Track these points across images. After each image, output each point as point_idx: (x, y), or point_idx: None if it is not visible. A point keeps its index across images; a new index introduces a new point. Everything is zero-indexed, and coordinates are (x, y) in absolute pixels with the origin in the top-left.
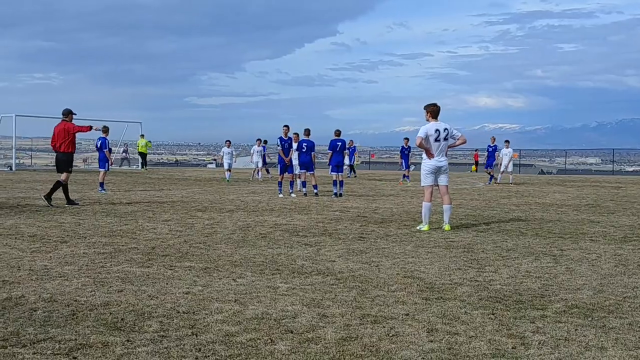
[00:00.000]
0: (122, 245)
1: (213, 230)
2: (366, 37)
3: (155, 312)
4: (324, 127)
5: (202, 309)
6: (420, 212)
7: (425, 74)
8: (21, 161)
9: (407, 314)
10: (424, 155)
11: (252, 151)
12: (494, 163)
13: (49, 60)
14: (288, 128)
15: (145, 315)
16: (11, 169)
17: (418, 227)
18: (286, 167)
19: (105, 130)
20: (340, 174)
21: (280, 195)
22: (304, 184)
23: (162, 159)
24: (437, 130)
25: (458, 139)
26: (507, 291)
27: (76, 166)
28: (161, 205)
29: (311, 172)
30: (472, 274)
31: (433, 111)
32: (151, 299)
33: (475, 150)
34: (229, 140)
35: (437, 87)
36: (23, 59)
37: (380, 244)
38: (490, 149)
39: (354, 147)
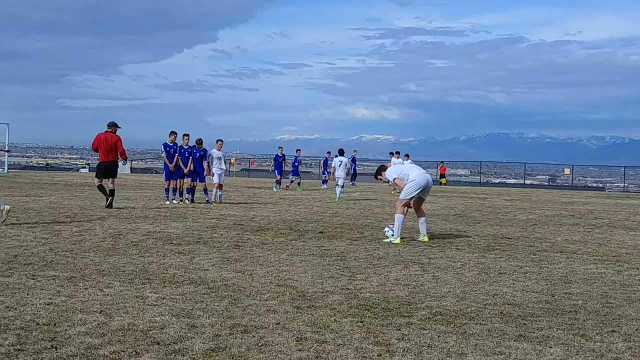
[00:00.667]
0: None
1: (82, 237)
2: (247, 45)
3: (13, 324)
4: (205, 134)
5: (64, 321)
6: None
7: (305, 84)
8: None
9: (278, 323)
10: (410, 175)
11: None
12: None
13: None
14: (188, 137)
15: (2, 327)
16: None
17: (390, 240)
18: (172, 174)
19: (199, 142)
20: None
21: (167, 203)
22: (190, 191)
23: (31, 162)
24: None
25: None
26: (376, 299)
27: None
28: (27, 211)
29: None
30: (343, 282)
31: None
32: (9, 310)
33: (442, 163)
34: (220, 140)
35: (316, 97)
36: None
37: (256, 253)
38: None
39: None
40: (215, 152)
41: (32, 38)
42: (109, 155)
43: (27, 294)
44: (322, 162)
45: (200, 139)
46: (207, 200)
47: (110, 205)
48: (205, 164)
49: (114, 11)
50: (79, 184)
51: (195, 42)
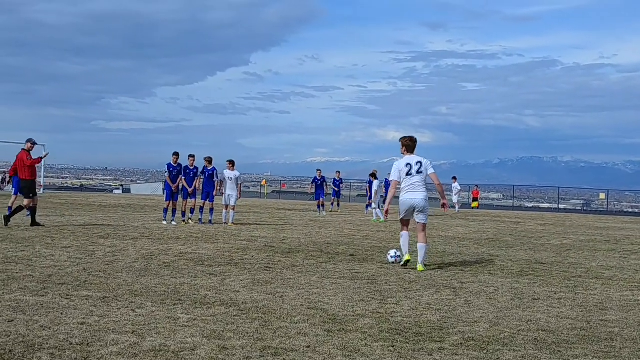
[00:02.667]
0: (17, 273)
1: (115, 258)
2: (279, 68)
3: (47, 344)
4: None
5: (97, 341)
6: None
7: (336, 107)
8: None
9: (309, 346)
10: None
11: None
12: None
13: None
14: (194, 157)
15: (36, 346)
16: None
17: (397, 261)
18: (173, 194)
19: (209, 160)
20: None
21: (164, 223)
22: (193, 211)
23: (66, 183)
24: (408, 164)
25: (430, 176)
26: (407, 323)
27: None
28: (61, 232)
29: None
30: (374, 306)
31: (408, 145)
32: (43, 329)
33: (476, 187)
34: (230, 161)
35: (347, 119)
36: None
37: (286, 275)
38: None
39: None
40: (227, 173)
41: (71, 61)
42: (22, 173)
43: (61, 314)
44: (368, 185)
45: (209, 157)
46: (210, 220)
47: (34, 223)
48: (216, 183)
49: (150, 35)
50: (113, 205)
51: (228, 65)
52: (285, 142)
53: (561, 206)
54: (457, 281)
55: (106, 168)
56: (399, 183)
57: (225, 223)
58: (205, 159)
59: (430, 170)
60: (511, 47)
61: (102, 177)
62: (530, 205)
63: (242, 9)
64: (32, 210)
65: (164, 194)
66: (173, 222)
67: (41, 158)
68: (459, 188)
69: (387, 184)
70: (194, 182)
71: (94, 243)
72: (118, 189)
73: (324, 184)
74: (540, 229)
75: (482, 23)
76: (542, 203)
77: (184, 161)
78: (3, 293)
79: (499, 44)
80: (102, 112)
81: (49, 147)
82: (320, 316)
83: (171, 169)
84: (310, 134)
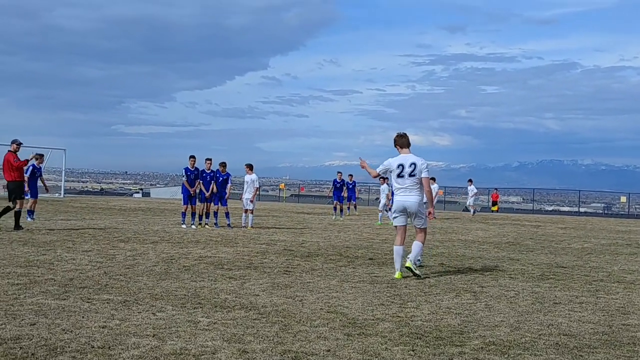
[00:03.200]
0: (38, 276)
1: (135, 261)
2: (297, 72)
3: (69, 347)
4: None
5: (118, 344)
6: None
7: (354, 110)
8: None
9: (329, 350)
10: (394, 190)
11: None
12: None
13: None
14: (211, 161)
15: (58, 350)
16: None
17: (417, 265)
18: (191, 198)
19: (38, 157)
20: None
21: (184, 227)
22: (208, 215)
23: (86, 187)
24: (400, 165)
25: (424, 186)
26: (427, 327)
27: None
28: (82, 235)
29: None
30: (394, 310)
31: (397, 141)
32: (65, 332)
33: (495, 190)
34: (249, 165)
35: (366, 123)
36: None
37: (306, 278)
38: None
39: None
40: (246, 177)
41: (91, 66)
42: (8, 175)
43: (83, 317)
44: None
45: (224, 162)
46: (229, 224)
47: (17, 226)
48: (228, 188)
49: (170, 40)
50: (133, 208)
51: (246, 69)
52: (304, 146)
53: (582, 209)
54: (478, 285)
55: (126, 172)
56: (379, 176)
57: (245, 227)
58: (220, 164)
59: (424, 174)
60: (531, 50)
61: (122, 181)
62: (551, 208)
63: (261, 14)
64: (17, 214)
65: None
66: (193, 226)
67: (27, 160)
68: (475, 190)
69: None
70: (211, 186)
71: (115, 247)
72: (138, 192)
73: (344, 187)
74: (561, 232)
75: (502, 26)
76: (563, 206)
77: (200, 165)
78: (25, 297)
79: (518, 47)
80: (122, 116)
81: (68, 152)
82: (340, 320)
83: (188, 173)
84: (329, 137)
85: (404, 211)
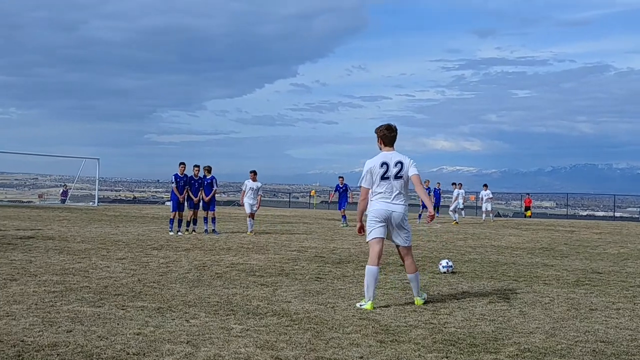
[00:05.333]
0: (74, 284)
1: (168, 269)
2: (326, 79)
3: (105, 354)
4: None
5: (153, 351)
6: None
7: (384, 116)
8: None
9: (361, 357)
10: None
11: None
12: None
13: (10, 94)
14: (199, 168)
15: (94, 356)
16: None
17: (358, 304)
18: (180, 205)
19: (208, 169)
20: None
21: (171, 234)
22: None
23: (119, 195)
24: (384, 163)
25: (411, 178)
26: (461, 334)
27: (31, 202)
28: (116, 243)
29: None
30: (427, 316)
31: (384, 136)
32: (101, 339)
33: (528, 195)
34: (253, 171)
35: None
36: None
37: (337, 285)
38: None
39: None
40: (249, 183)
41: (126, 76)
42: None
43: (117, 324)
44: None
45: (208, 166)
46: (214, 230)
47: None
48: (213, 191)
49: (202, 49)
50: (165, 216)
51: (276, 77)
52: (334, 153)
53: (617, 214)
54: (511, 291)
55: (158, 180)
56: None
57: (251, 232)
58: (204, 168)
59: (413, 171)
60: (563, 53)
61: (154, 189)
62: (585, 213)
63: (290, 22)
64: None
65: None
66: (179, 233)
67: None
68: (490, 195)
69: (437, 194)
70: (199, 192)
71: (148, 254)
72: (170, 200)
73: (347, 192)
74: (596, 237)
75: (533, 29)
76: (597, 211)
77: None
78: (61, 304)
79: (550, 50)
80: (154, 125)
81: (102, 161)
82: (373, 327)
83: (178, 180)
84: (358, 143)
85: (385, 221)
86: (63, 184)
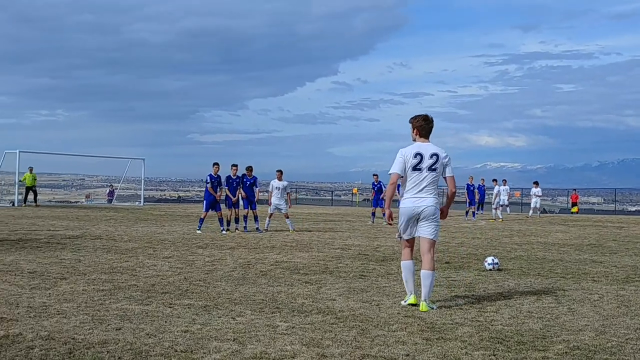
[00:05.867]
0: (122, 282)
1: (213, 267)
2: (367, 76)
3: (153, 351)
4: (327, 164)
5: (200, 348)
6: None
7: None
8: (23, 197)
9: (408, 355)
10: (401, 191)
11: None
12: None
13: (55, 97)
14: (237, 167)
15: (143, 354)
16: (13, 205)
17: (403, 302)
18: (214, 204)
19: (249, 169)
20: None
21: (199, 232)
22: (245, 219)
23: (164, 195)
24: (418, 154)
25: (446, 179)
26: (508, 332)
27: (79, 202)
28: (162, 242)
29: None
30: (473, 314)
31: (421, 127)
32: (149, 337)
33: (574, 191)
34: (279, 170)
35: (437, 125)
36: (30, 96)
37: (381, 283)
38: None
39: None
40: (275, 183)
41: (168, 78)
42: None
43: (165, 322)
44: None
45: (250, 166)
46: (257, 228)
47: None
48: (256, 191)
49: (243, 49)
50: (209, 215)
51: (317, 76)
52: (375, 150)
53: None
54: (559, 288)
55: (202, 180)
56: (400, 176)
57: (266, 230)
58: (246, 168)
59: (448, 172)
60: (609, 46)
61: (198, 189)
62: (634, 208)
63: (331, 20)
64: None
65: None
66: (223, 232)
67: None
68: (540, 193)
69: (481, 190)
70: (237, 192)
71: (193, 253)
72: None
73: (382, 190)
74: None
75: (577, 22)
76: None
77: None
78: (110, 302)
79: (595, 43)
80: (197, 125)
81: (147, 161)
82: (418, 324)
83: (212, 180)
84: (400, 140)
85: (416, 218)
86: (109, 184)
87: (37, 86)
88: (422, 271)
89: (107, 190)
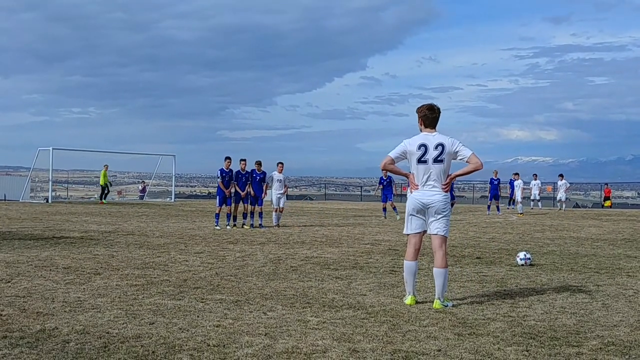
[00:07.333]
0: (154, 278)
1: (244, 262)
2: (396, 71)
3: (186, 345)
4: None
5: (232, 342)
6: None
7: (455, 107)
8: (57, 193)
9: (439, 350)
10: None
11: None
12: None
13: (88, 94)
14: (245, 162)
15: (176, 348)
16: (47, 201)
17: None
18: (226, 199)
19: (259, 164)
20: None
21: (217, 228)
22: (246, 215)
23: (194, 191)
24: (422, 145)
25: (469, 161)
26: (541, 327)
27: (111, 198)
28: (193, 238)
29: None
30: (505, 309)
31: (425, 117)
32: (182, 331)
33: (606, 184)
34: (281, 162)
35: (467, 120)
36: (63, 94)
37: None
38: (495, 182)
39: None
40: (276, 175)
41: (201, 74)
42: None
43: (197, 317)
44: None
45: (259, 161)
46: (260, 224)
47: None
48: (265, 186)
49: (274, 45)
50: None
51: (345, 71)
52: None
53: None
54: (593, 284)
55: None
56: (393, 162)
57: (277, 226)
58: (255, 163)
59: (466, 152)
60: None
61: None
62: None
63: (360, 14)
64: None
65: (216, 199)
66: (228, 227)
67: None
68: (567, 185)
69: (512, 185)
70: (246, 187)
71: (224, 248)
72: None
73: (392, 184)
74: None
75: (610, 14)
76: None
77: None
78: (143, 297)
79: (628, 35)
80: (226, 121)
81: (178, 157)
82: (450, 320)
83: (223, 174)
84: None
85: (423, 213)
86: (141, 180)
87: (70, 84)
88: (434, 269)
89: (140, 187)
